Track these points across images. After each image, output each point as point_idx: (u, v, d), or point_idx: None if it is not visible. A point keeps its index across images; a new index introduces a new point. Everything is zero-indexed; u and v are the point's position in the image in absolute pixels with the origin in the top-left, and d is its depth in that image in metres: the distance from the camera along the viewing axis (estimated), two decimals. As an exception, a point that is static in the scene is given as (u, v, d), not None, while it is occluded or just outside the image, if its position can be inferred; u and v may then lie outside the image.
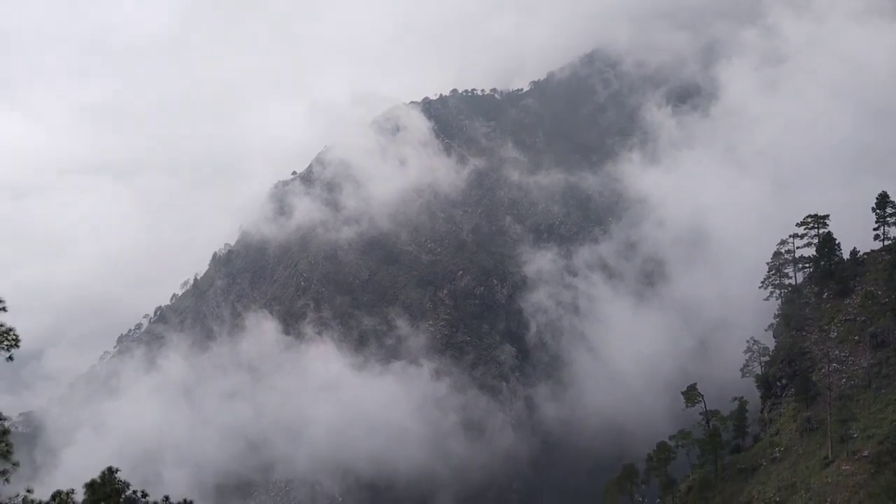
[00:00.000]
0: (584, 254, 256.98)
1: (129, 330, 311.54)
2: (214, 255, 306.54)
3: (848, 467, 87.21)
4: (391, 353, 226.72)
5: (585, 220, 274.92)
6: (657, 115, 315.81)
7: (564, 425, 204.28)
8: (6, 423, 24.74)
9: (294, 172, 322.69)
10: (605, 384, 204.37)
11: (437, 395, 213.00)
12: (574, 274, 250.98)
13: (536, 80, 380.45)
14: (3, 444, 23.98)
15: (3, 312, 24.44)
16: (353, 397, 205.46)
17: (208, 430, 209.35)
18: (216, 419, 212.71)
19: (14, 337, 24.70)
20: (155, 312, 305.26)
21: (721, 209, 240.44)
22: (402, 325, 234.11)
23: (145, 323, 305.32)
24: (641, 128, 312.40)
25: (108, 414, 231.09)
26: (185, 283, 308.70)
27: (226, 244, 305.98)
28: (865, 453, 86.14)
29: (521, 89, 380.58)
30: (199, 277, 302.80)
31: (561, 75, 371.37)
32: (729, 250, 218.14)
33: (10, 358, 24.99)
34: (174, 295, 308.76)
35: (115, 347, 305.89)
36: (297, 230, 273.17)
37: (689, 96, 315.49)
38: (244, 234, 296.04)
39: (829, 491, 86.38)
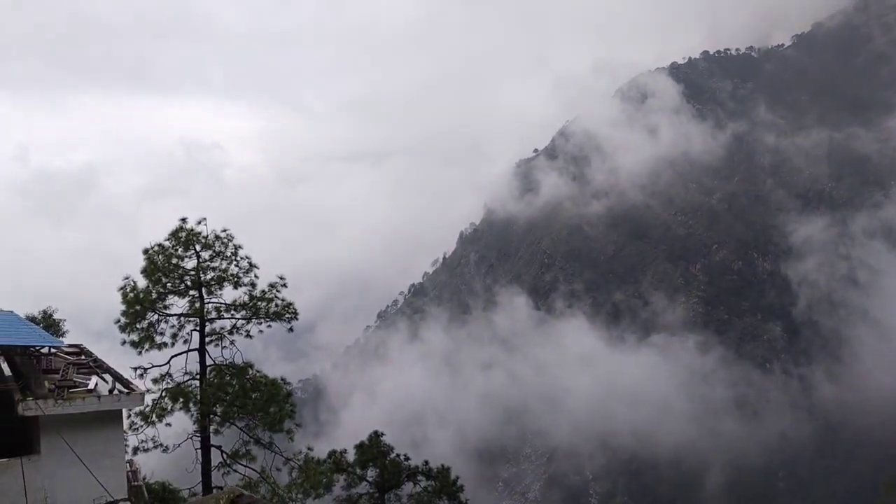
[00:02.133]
0: (862, 220, 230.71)
1: (387, 306, 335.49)
2: (461, 234, 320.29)
3: None
4: (646, 328, 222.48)
5: (862, 182, 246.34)
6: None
7: (845, 408, 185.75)
8: (286, 387, 27.65)
9: (535, 150, 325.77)
10: (893, 365, 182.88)
11: (704, 369, 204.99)
12: (851, 243, 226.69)
13: (800, 32, 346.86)
14: (289, 406, 26.95)
15: (284, 289, 27.58)
16: (610, 371, 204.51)
17: (469, 398, 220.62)
18: (476, 387, 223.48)
19: (293, 311, 27.69)
20: (409, 289, 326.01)
21: None
22: (657, 299, 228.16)
23: (401, 299, 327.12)
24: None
25: (378, 379, 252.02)
26: (436, 261, 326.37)
27: (471, 223, 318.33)
28: None
29: (783, 45, 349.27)
30: (447, 256, 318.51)
31: (830, 24, 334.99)
32: None
33: (291, 329, 28.09)
34: (425, 273, 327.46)
35: (375, 322, 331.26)
36: (545, 206, 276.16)
37: None
38: (489, 212, 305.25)
39: None
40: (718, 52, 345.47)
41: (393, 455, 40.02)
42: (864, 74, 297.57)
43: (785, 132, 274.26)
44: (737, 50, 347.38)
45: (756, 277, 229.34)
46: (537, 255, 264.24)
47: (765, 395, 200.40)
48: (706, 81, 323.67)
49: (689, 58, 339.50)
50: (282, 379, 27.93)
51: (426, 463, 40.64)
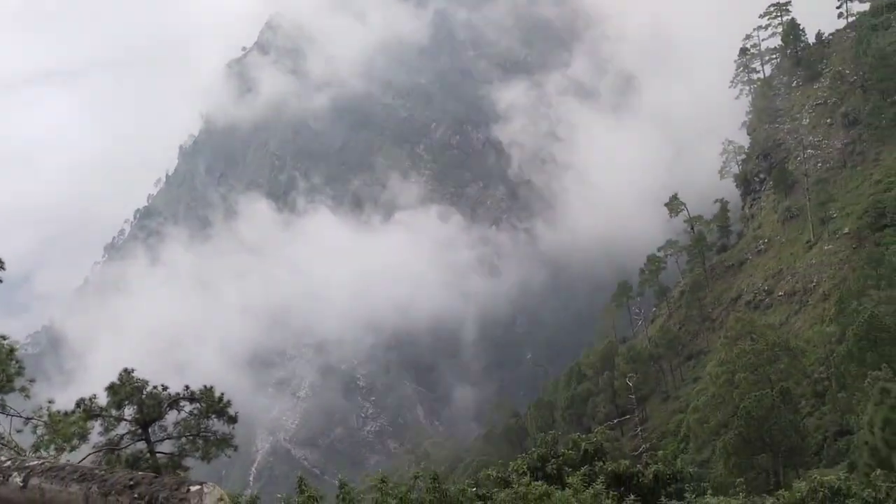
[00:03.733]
0: (554, 80, 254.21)
1: (114, 237, 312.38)
2: (181, 147, 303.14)
3: (830, 247, 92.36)
4: (388, 209, 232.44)
5: (549, 46, 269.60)
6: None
7: (564, 251, 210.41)
8: (7, 342, 26.07)
9: (244, 48, 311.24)
10: (596, 207, 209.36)
11: (448, 236, 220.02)
12: (548, 102, 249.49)
13: None
14: (14, 363, 25.71)
15: None
16: (363, 256, 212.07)
17: (227, 311, 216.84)
18: (232, 299, 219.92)
19: (-5, 259, 25.69)
20: (135, 215, 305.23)
21: (681, 12, 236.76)
22: (393, 182, 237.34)
23: (128, 227, 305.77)
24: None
25: (124, 313, 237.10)
26: (158, 180, 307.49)
27: (190, 135, 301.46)
28: (846, 230, 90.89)
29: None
30: (170, 174, 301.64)
31: None
32: (695, 54, 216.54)
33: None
34: (150, 195, 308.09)
35: (103, 256, 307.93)
36: (266, 106, 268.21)
37: None
38: (207, 120, 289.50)
39: (814, 272, 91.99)
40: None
41: (150, 388, 39.30)
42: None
43: (476, 5, 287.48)
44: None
45: (473, 148, 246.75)
46: (267, 157, 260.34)
47: (500, 251, 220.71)
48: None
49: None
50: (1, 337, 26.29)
51: (186, 387, 40.53)
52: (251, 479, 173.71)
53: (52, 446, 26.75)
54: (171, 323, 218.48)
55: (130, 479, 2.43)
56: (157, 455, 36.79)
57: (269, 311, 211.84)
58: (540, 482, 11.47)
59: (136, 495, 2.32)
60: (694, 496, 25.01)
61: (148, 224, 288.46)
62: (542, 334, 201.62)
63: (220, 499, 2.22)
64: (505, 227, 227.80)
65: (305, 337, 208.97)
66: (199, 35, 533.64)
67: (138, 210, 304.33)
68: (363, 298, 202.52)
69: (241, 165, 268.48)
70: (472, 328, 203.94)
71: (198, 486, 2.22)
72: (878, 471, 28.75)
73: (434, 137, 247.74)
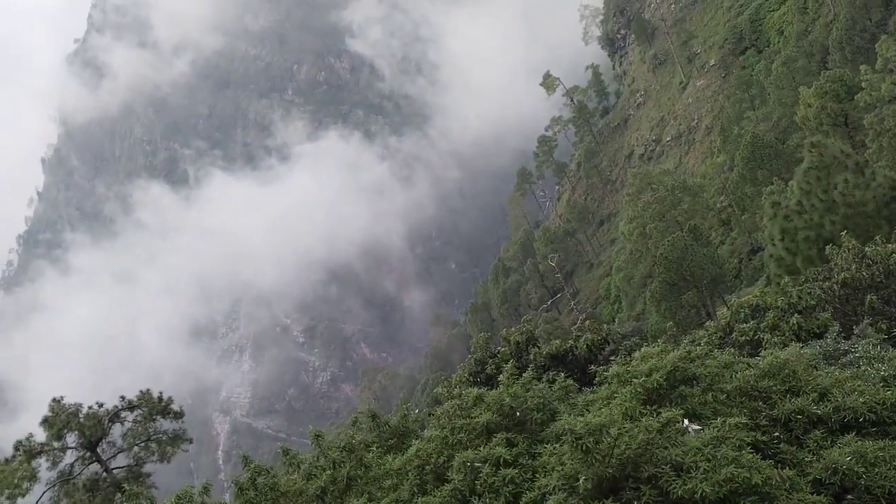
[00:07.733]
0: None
1: (2, 270, 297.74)
2: (44, 161, 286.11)
3: (702, 82, 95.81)
4: (282, 152, 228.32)
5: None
6: None
7: (466, 153, 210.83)
8: None
9: (76, 39, 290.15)
10: (479, 102, 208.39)
11: (353, 158, 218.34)
12: (403, 9, 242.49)
13: None
14: None
15: None
16: (275, 200, 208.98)
17: (155, 296, 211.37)
18: (157, 284, 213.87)
19: None
20: (18, 241, 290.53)
21: None
22: (276, 127, 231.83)
23: (15, 258, 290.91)
24: None
25: (52, 331, 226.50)
26: (31, 200, 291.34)
27: (49, 144, 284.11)
28: (712, 62, 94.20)
29: None
30: (40, 190, 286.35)
31: None
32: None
33: None
34: (26, 217, 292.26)
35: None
36: (127, 86, 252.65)
37: None
38: (64, 123, 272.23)
39: (693, 110, 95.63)
40: None
41: (85, 409, 38.33)
42: None
43: None
44: None
45: (342, 79, 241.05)
46: (137, 144, 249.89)
47: (408, 159, 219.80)
48: None
49: None
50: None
51: (122, 398, 39.67)
52: (220, 462, 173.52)
53: (3, 497, 26.00)
54: (101, 324, 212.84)
55: None
56: (115, 472, 36.28)
57: (196, 283, 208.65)
58: (473, 388, 12.02)
59: None
60: (625, 354, 26.44)
61: (43, 239, 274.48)
62: (460, 241, 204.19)
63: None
64: (405, 138, 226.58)
65: (242, 298, 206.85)
66: (20, 40, 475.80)
67: (20, 235, 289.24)
68: (288, 243, 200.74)
69: (111, 161, 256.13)
70: (400, 241, 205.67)
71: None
72: (787, 278, 30.62)
73: (300, 80, 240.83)
